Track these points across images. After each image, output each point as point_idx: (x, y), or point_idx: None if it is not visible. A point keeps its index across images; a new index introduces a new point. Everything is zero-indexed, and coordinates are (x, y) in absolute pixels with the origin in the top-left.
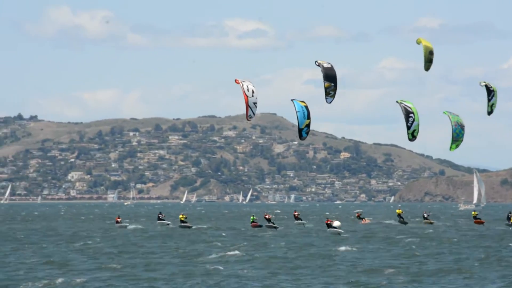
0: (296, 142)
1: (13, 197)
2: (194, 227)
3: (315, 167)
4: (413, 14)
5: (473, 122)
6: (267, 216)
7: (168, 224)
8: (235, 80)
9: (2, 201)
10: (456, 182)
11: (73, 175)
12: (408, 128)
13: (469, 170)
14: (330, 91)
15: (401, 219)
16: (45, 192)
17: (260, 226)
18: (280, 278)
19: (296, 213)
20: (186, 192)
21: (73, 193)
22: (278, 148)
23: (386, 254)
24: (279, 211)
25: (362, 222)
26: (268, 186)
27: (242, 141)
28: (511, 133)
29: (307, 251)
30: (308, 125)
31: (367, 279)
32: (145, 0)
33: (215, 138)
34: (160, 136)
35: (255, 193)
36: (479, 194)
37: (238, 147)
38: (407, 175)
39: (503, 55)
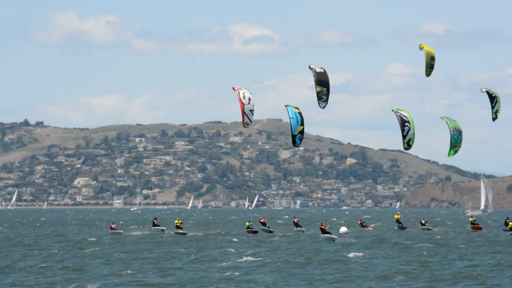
0: (302, 148)
1: (19, 203)
2: (189, 234)
3: (321, 172)
4: (419, 20)
5: (479, 128)
6: (262, 221)
7: (163, 230)
8: (232, 88)
9: (8, 207)
10: (462, 188)
11: (79, 181)
12: (404, 137)
13: (475, 176)
14: (323, 95)
15: (400, 225)
16: (51, 197)
17: (256, 232)
18: (295, 283)
19: (295, 220)
20: (192, 198)
21: (79, 198)
22: (284, 154)
23: (397, 260)
24: (287, 216)
25: (365, 230)
26: (274, 192)
27: (248, 146)
28: None
29: (319, 256)
30: (301, 132)
31: (380, 285)
32: (151, 6)
33: (221, 144)
34: (166, 141)
35: (261, 199)
36: (486, 200)
37: (244, 153)
38: (413, 181)
39: (509, 61)
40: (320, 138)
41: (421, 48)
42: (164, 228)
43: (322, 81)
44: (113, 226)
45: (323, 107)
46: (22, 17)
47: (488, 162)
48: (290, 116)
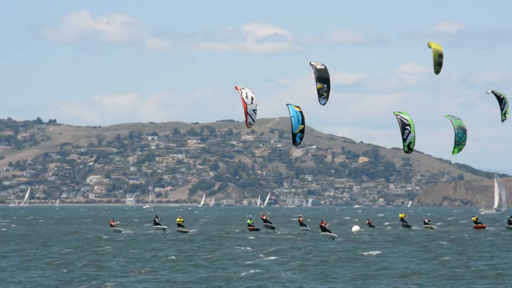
0: (314, 147)
1: (32, 200)
2: (191, 231)
3: (333, 171)
4: (431, 19)
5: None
6: (264, 217)
7: (164, 229)
8: (235, 87)
9: (21, 204)
10: (475, 186)
11: (92, 179)
12: (404, 140)
13: (488, 175)
14: (323, 92)
15: (405, 223)
16: (64, 195)
17: (257, 229)
18: (317, 281)
19: (300, 219)
20: (204, 196)
21: (91, 196)
22: (297, 152)
23: (416, 258)
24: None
25: (373, 229)
26: (286, 190)
27: (260, 145)
28: None
29: (335, 255)
30: (302, 131)
31: (399, 283)
32: (165, 5)
33: (234, 142)
34: (179, 140)
35: (273, 197)
36: (500, 198)
37: (256, 151)
38: (426, 179)
39: None
40: (332, 136)
41: (429, 46)
42: (165, 226)
43: (322, 78)
44: (112, 223)
45: (323, 104)
46: (36, 16)
47: (501, 161)
48: (291, 115)
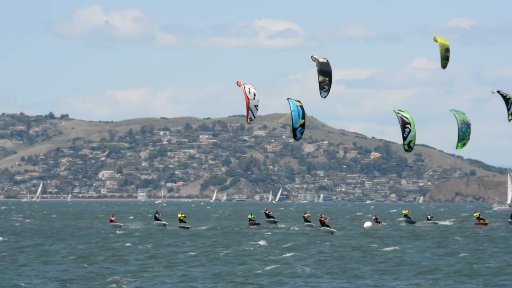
0: (326, 142)
1: (44, 195)
2: (192, 227)
3: (345, 166)
4: (444, 15)
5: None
6: (267, 212)
7: (164, 225)
8: (237, 83)
9: (33, 199)
10: (487, 182)
11: (104, 174)
12: (404, 138)
13: (500, 171)
14: (325, 85)
15: (408, 219)
16: (76, 190)
17: (258, 224)
18: (336, 277)
19: (305, 215)
20: (216, 191)
21: (103, 191)
22: (308, 148)
23: (433, 254)
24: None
25: (380, 225)
26: (298, 186)
27: (272, 140)
28: None
29: (354, 250)
30: (302, 125)
31: (418, 279)
32: (176, 0)
33: (245, 138)
34: (191, 135)
35: (285, 193)
36: None
37: (268, 147)
38: (438, 175)
39: None
40: (344, 132)
41: (435, 40)
42: (166, 223)
43: (324, 71)
44: (112, 218)
45: (324, 97)
46: (48, 11)
47: None
48: (292, 109)
